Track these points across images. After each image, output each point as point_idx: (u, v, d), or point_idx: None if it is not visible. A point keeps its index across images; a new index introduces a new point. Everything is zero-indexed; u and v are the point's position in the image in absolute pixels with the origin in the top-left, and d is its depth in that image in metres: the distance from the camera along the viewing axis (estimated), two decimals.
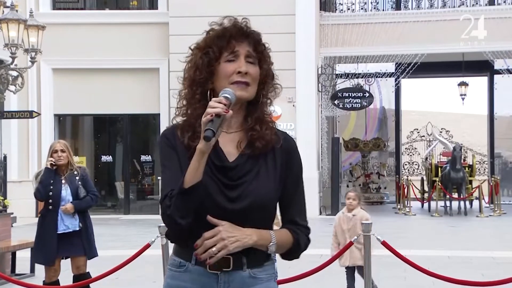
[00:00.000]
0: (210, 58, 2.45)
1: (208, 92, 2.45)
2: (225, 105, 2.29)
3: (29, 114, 15.71)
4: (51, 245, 6.83)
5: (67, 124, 21.83)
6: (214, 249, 2.31)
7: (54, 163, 6.90)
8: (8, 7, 12.71)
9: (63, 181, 6.95)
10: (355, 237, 6.32)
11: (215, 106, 2.27)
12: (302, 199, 2.58)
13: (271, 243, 2.41)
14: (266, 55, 2.51)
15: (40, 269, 9.26)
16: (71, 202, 6.91)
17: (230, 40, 2.46)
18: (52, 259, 6.89)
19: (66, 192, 6.92)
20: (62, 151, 6.93)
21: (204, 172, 2.33)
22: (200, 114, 2.37)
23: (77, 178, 7.01)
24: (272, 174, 2.47)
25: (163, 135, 2.49)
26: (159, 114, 19.88)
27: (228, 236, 2.33)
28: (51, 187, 6.85)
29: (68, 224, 6.92)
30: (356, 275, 7.30)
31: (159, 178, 19.80)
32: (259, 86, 2.48)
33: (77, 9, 21.36)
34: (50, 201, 6.89)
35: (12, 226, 10.62)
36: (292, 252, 2.52)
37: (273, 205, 2.49)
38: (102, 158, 21.11)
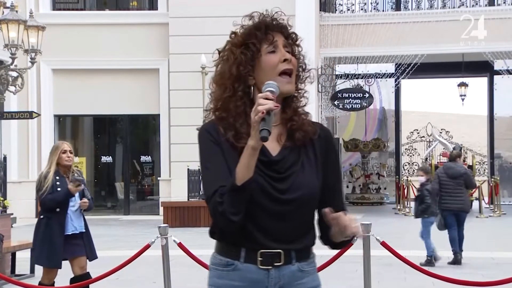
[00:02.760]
0: (253, 52, 2.42)
1: (252, 88, 2.44)
2: (272, 99, 2.26)
3: (29, 115, 15.71)
4: (59, 247, 6.76)
5: (67, 125, 21.84)
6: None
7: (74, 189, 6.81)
8: (8, 7, 12.71)
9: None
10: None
11: (264, 102, 2.24)
12: (342, 187, 2.62)
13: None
14: (298, 45, 2.52)
15: (40, 269, 9.25)
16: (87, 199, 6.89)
17: (267, 31, 2.45)
18: (60, 261, 6.85)
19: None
20: (71, 152, 6.92)
21: None
22: (241, 112, 2.39)
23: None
24: (314, 166, 2.48)
25: (205, 130, 2.43)
26: (159, 114, 19.90)
27: (354, 222, 2.34)
28: (59, 189, 6.78)
29: (76, 225, 6.88)
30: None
31: (159, 178, 19.92)
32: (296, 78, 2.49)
33: (77, 9, 21.39)
34: None
35: (12, 226, 10.62)
36: (347, 241, 2.50)
37: (318, 197, 2.48)
38: (102, 159, 21.13)
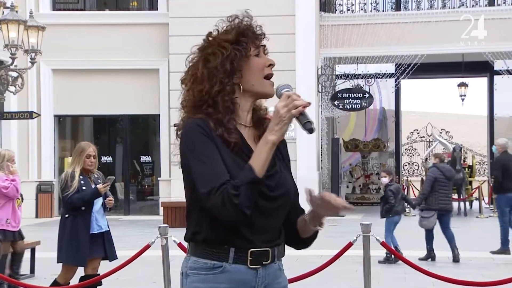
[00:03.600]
0: (245, 50, 2.46)
1: (241, 86, 2.48)
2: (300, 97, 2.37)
3: (29, 115, 15.71)
4: (85, 246, 6.81)
5: (67, 125, 21.84)
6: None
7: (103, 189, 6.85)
8: (8, 7, 12.71)
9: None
10: None
11: (300, 99, 2.33)
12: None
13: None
14: (266, 54, 2.58)
15: (40, 269, 9.28)
16: (103, 187, 6.89)
17: (255, 35, 2.50)
18: (85, 259, 6.89)
19: None
20: (94, 157, 6.97)
21: (241, 167, 2.36)
22: (227, 108, 2.42)
23: (99, 180, 7.04)
24: (286, 166, 2.57)
25: (196, 124, 2.40)
26: (159, 115, 19.89)
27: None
28: (84, 188, 6.84)
29: (101, 224, 6.94)
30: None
31: (159, 178, 19.90)
32: None
33: (77, 9, 21.37)
34: None
35: None
36: (311, 241, 2.61)
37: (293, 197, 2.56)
38: (102, 159, 21.08)
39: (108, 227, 7.06)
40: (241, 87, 2.46)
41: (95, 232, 6.88)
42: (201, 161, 2.36)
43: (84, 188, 6.83)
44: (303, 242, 2.60)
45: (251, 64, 2.46)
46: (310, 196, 2.39)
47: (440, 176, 11.00)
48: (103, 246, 6.97)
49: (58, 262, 6.99)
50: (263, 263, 2.43)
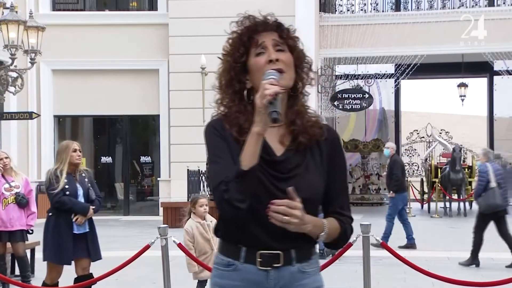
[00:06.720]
0: (236, 57, 2.47)
1: (250, 91, 2.48)
2: (276, 84, 2.31)
3: (29, 115, 15.70)
4: (69, 245, 6.81)
5: (66, 125, 21.84)
6: (285, 218, 2.27)
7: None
8: (8, 8, 12.71)
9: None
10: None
11: (270, 87, 2.29)
12: (347, 189, 2.63)
13: (323, 233, 2.42)
14: (292, 38, 2.51)
15: (40, 270, 9.26)
16: (92, 208, 6.91)
17: (252, 34, 2.48)
18: (70, 258, 6.89)
19: (80, 193, 6.93)
20: (80, 150, 6.98)
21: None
22: (242, 111, 2.44)
23: (86, 180, 7.01)
24: (320, 168, 2.49)
25: (211, 125, 2.49)
26: (158, 115, 19.90)
27: (298, 216, 2.29)
28: (67, 186, 6.83)
29: (83, 225, 6.93)
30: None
31: (159, 179, 19.91)
32: (296, 73, 2.48)
33: (76, 10, 21.38)
34: None
35: None
36: (338, 242, 2.54)
37: (320, 198, 2.51)
38: (101, 159, 21.12)
39: (90, 228, 6.99)
40: (256, 90, 2.43)
41: (76, 232, 6.86)
42: (212, 161, 2.44)
43: (67, 187, 6.81)
44: (328, 244, 2.56)
45: (251, 66, 2.46)
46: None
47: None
48: (87, 246, 6.94)
49: (43, 260, 7.00)
50: (274, 265, 2.42)
